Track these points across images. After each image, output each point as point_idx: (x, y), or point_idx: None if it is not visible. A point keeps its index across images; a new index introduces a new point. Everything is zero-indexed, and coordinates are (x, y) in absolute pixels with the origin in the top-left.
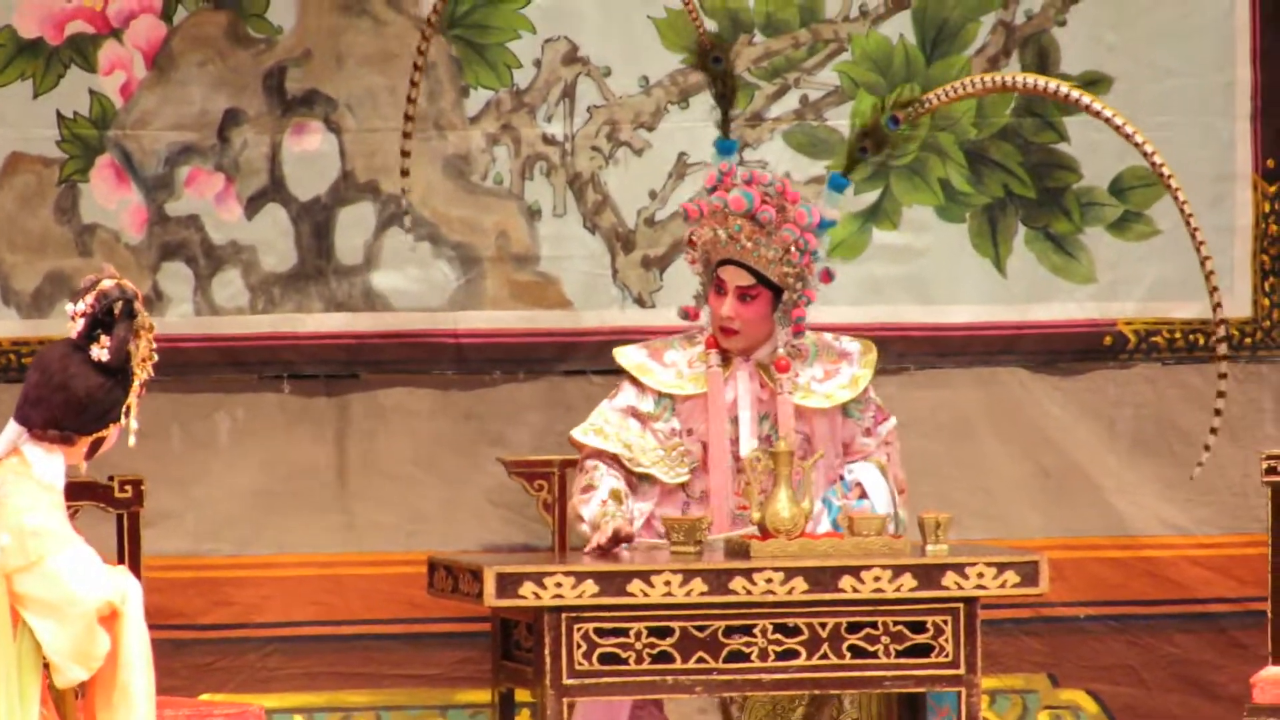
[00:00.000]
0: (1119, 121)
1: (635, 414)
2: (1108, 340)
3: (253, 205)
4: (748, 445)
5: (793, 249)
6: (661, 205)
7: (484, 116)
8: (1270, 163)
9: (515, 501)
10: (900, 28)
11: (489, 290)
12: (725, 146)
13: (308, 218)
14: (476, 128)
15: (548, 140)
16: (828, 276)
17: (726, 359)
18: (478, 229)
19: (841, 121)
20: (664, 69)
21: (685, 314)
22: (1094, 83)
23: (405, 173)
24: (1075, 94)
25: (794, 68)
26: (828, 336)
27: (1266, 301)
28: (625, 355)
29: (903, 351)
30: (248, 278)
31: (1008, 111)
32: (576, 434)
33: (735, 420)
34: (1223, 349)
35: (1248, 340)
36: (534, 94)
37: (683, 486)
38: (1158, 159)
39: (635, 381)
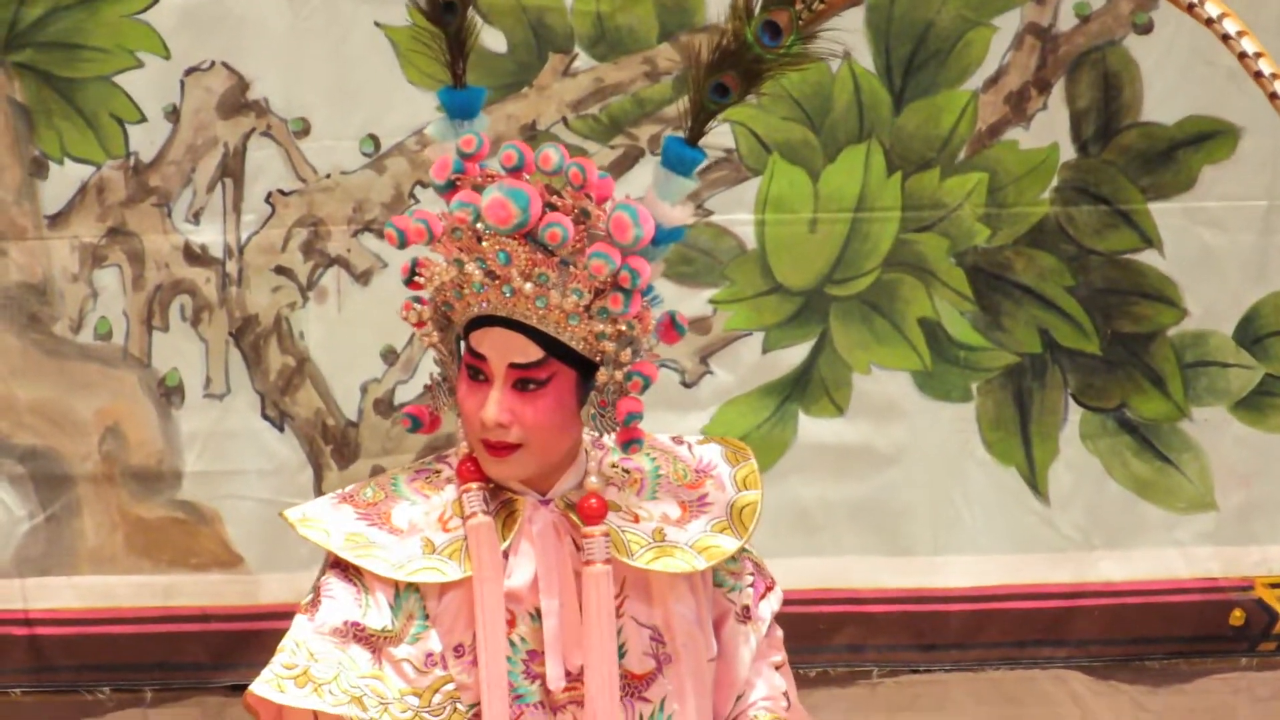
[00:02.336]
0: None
1: (360, 635)
2: (1237, 617)
3: None
4: (557, 669)
5: (610, 290)
6: (407, 375)
7: (75, 214)
8: None
9: None
10: (846, 40)
11: (89, 537)
12: (457, 102)
13: None
14: (61, 235)
15: (195, 257)
16: (673, 331)
17: (506, 501)
18: (66, 424)
19: (740, 216)
20: (407, 122)
21: (415, 422)
22: (1207, 137)
23: None
24: None
25: (649, 116)
26: (663, 439)
27: None
28: (318, 521)
29: (857, 642)
30: None
31: (1045, 194)
32: (262, 689)
33: (536, 616)
34: None
35: None
36: (168, 171)
37: None
38: None
39: (347, 570)
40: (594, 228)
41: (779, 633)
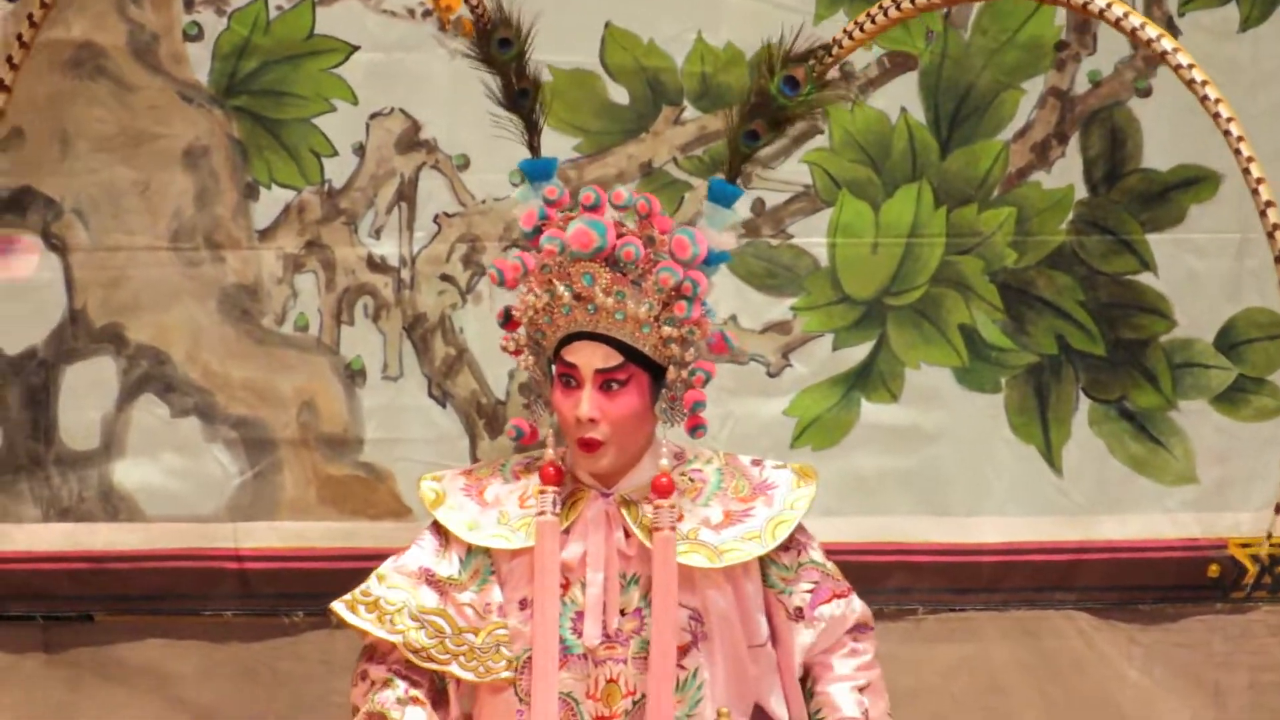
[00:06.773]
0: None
1: (431, 579)
2: (1214, 570)
3: None
4: (594, 629)
5: (675, 299)
6: None
7: (280, 229)
8: None
9: None
10: (902, 98)
11: (288, 490)
12: (535, 169)
13: (18, 380)
14: (269, 246)
15: (376, 265)
16: (723, 344)
17: (572, 498)
18: (271, 398)
19: (815, 239)
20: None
21: (519, 432)
22: (1194, 182)
23: None
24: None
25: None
26: (744, 460)
27: None
28: (432, 484)
29: (905, 585)
30: None
31: (1063, 225)
32: (338, 606)
33: (584, 585)
34: None
35: None
36: (355, 196)
37: (513, 685)
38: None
39: (440, 529)
40: (659, 250)
41: (867, 656)
